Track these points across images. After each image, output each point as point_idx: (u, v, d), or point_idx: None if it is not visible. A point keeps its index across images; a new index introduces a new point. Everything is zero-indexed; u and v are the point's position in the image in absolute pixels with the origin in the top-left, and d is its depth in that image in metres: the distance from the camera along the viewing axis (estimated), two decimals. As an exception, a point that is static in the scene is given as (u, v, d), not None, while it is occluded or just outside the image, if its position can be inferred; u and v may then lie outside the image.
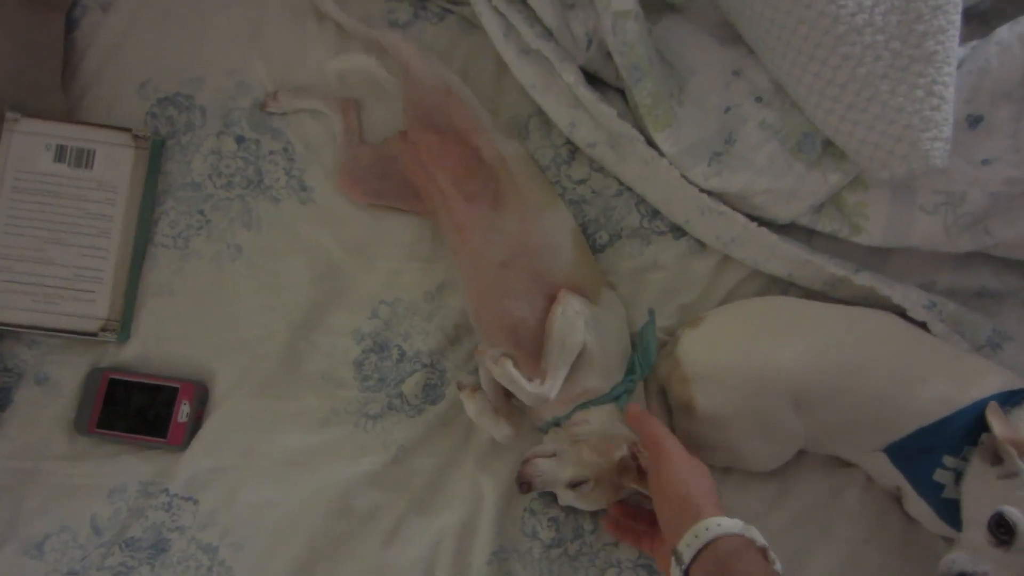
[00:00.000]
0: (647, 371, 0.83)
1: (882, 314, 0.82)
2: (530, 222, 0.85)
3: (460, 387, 0.84)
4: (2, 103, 0.91)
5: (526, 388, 0.78)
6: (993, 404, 0.72)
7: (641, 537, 0.78)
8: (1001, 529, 0.67)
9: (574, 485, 0.77)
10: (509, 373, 0.78)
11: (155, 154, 0.94)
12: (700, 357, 0.81)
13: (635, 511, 0.80)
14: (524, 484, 0.76)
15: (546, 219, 0.86)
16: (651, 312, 0.85)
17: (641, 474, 0.75)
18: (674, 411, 0.85)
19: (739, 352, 0.81)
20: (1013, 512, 0.66)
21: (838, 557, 0.81)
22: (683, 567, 0.63)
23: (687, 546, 0.63)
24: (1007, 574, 0.67)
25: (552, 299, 0.82)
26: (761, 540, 0.63)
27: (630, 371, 0.83)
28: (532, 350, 0.81)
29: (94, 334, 0.90)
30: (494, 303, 0.84)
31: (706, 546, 0.62)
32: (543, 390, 0.78)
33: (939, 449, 0.75)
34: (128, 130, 0.92)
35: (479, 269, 0.85)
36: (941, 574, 0.70)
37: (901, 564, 0.81)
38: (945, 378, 0.76)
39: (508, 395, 0.84)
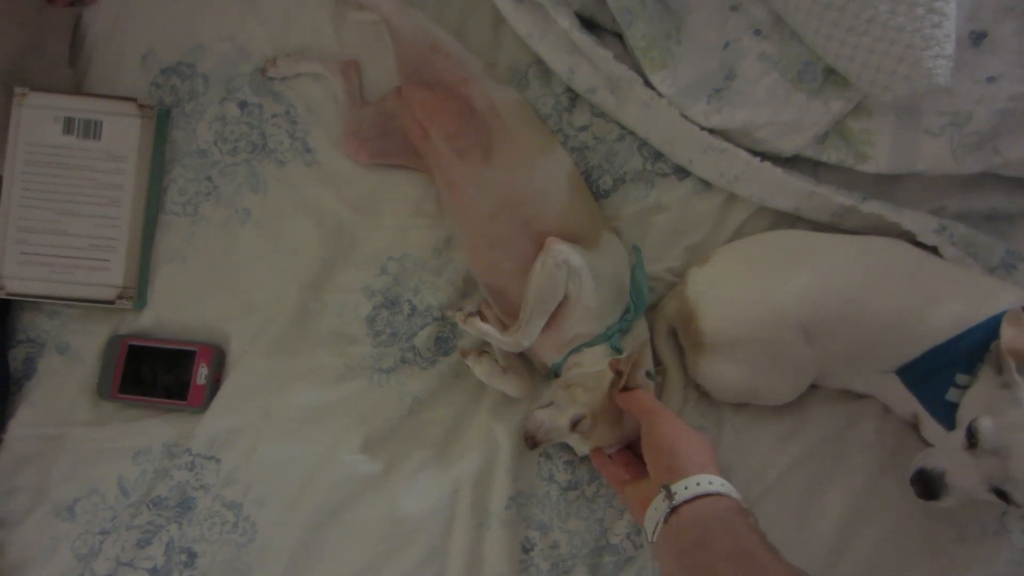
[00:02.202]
0: (641, 309, 0.82)
1: (892, 241, 0.81)
2: (519, 171, 0.84)
3: (464, 353, 0.85)
4: (11, 79, 0.93)
5: (499, 337, 0.80)
6: (1014, 310, 0.71)
7: (619, 476, 0.78)
8: (972, 433, 0.68)
9: (575, 425, 0.77)
10: (479, 328, 0.81)
11: (161, 123, 0.95)
12: (708, 291, 0.81)
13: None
14: (529, 439, 0.77)
15: (537, 166, 0.85)
16: (637, 250, 0.84)
17: (623, 383, 0.76)
18: (685, 350, 0.85)
19: (747, 286, 0.80)
20: (985, 422, 0.67)
21: (854, 487, 0.81)
22: (671, 504, 0.64)
23: (685, 488, 0.65)
24: (969, 473, 0.68)
25: (541, 247, 0.81)
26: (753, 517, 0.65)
27: (626, 311, 0.82)
28: (519, 300, 0.82)
29: (111, 302, 0.92)
30: (485, 255, 0.85)
31: (699, 497, 0.64)
32: (516, 337, 0.79)
33: (951, 367, 0.74)
34: (133, 100, 0.94)
35: (470, 222, 0.86)
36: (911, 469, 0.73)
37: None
38: (957, 298, 0.75)
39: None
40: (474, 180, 0.85)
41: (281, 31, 0.96)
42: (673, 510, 0.65)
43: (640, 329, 0.84)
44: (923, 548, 0.79)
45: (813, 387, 0.84)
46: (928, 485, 0.71)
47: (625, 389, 0.76)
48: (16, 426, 0.90)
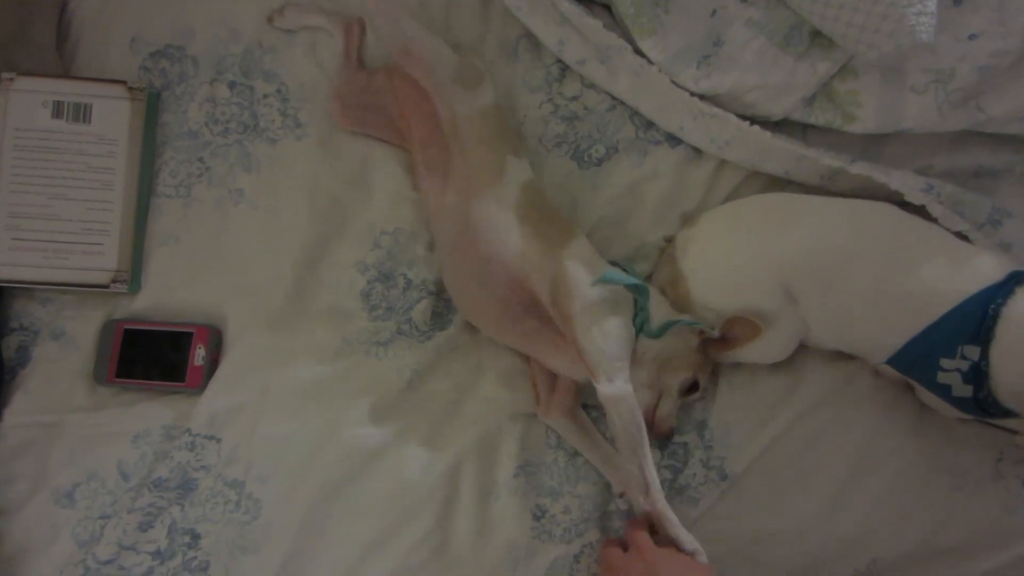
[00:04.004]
0: (644, 291, 0.80)
1: (879, 204, 0.82)
2: (471, 204, 0.81)
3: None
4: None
5: (680, 529, 0.73)
6: None
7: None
8: None
9: (688, 392, 0.80)
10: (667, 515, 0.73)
11: (152, 105, 0.95)
12: (694, 254, 0.82)
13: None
14: (666, 433, 0.80)
15: (486, 195, 0.81)
16: (608, 269, 0.79)
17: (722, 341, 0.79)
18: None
19: (733, 247, 0.82)
20: None
21: (852, 443, 0.82)
22: None
23: None
24: None
25: (510, 284, 0.79)
26: None
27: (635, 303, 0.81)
28: (522, 330, 0.81)
29: (105, 286, 0.91)
30: (459, 290, 0.85)
31: None
32: (652, 499, 0.73)
33: (935, 354, 0.75)
34: (123, 82, 0.93)
35: (440, 248, 0.86)
36: None
37: (917, 445, 0.82)
38: (936, 272, 0.76)
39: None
40: (437, 203, 0.85)
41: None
42: None
43: (657, 300, 0.82)
44: (922, 499, 0.80)
45: (805, 348, 0.85)
46: None
47: (723, 340, 0.79)
48: (12, 414, 0.89)
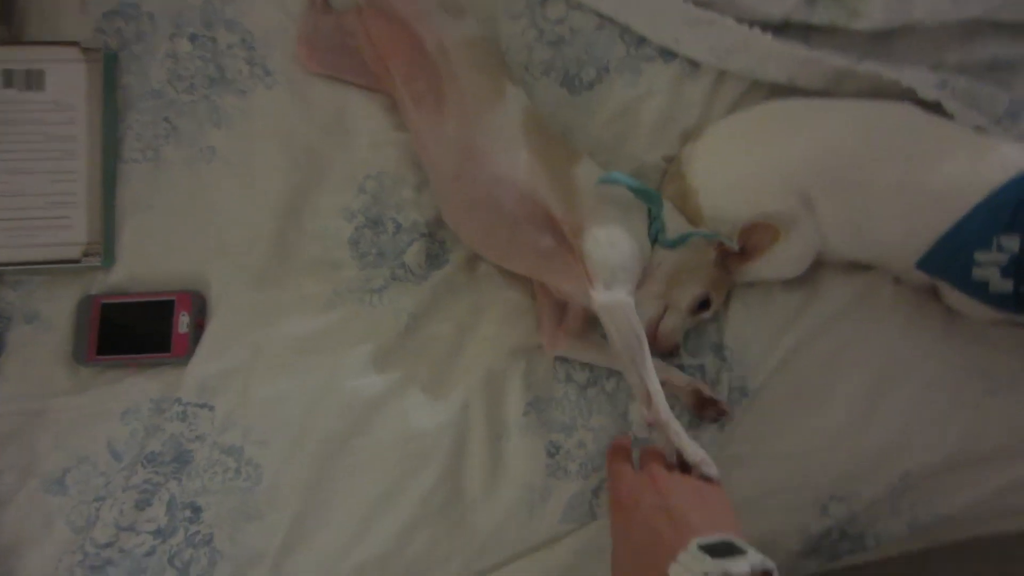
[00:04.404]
0: (657, 199, 0.77)
1: (892, 103, 0.77)
2: (472, 128, 0.77)
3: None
4: (-61, 35, 0.86)
5: (685, 439, 0.67)
6: None
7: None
8: None
9: (700, 309, 0.76)
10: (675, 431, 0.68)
11: (109, 68, 0.89)
12: (703, 166, 0.78)
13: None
14: (671, 348, 0.77)
15: (488, 118, 0.77)
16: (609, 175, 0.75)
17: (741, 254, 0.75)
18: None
19: (742, 154, 0.77)
20: None
21: (876, 354, 0.78)
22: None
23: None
24: None
25: (522, 201, 0.75)
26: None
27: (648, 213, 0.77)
28: (535, 251, 0.77)
29: (77, 260, 0.86)
30: (465, 221, 0.80)
31: None
32: (655, 410, 0.68)
33: (967, 248, 0.71)
34: (75, 44, 0.87)
35: (438, 182, 0.81)
36: None
37: (946, 350, 0.78)
38: (960, 166, 0.72)
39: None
40: (432, 135, 0.79)
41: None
42: None
43: (672, 212, 0.79)
44: (954, 405, 0.76)
45: (820, 263, 0.81)
46: None
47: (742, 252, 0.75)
48: (-8, 404, 0.84)
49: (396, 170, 0.86)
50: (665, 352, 0.77)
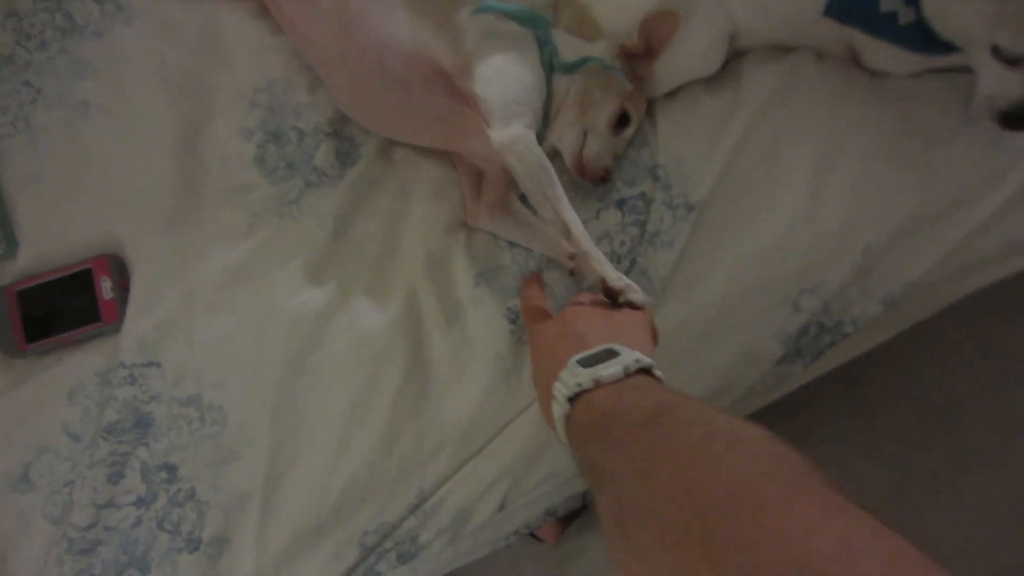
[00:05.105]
0: (541, 22, 0.72)
1: None
2: None
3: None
4: None
5: (607, 266, 0.65)
6: None
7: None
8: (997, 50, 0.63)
9: (619, 125, 0.73)
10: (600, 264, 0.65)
11: (-52, 42, 0.82)
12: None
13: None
14: (599, 174, 0.73)
15: None
16: (483, 4, 0.71)
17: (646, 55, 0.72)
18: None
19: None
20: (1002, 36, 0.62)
21: (813, 133, 0.75)
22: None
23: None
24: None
25: (410, 61, 0.70)
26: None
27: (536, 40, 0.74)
28: (435, 115, 0.73)
29: (-25, 254, 0.81)
30: (359, 99, 0.76)
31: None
32: (584, 255, 0.65)
33: None
34: (-98, 23, 0.80)
35: (325, 67, 0.76)
36: (986, 109, 0.67)
37: (879, 113, 0.75)
38: None
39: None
40: (308, 17, 0.74)
41: None
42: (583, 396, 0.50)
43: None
44: (899, 168, 0.74)
45: (740, 57, 0.78)
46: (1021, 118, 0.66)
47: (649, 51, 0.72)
48: (-70, 418, 0.80)
49: (284, 76, 0.81)
50: (596, 179, 0.74)
